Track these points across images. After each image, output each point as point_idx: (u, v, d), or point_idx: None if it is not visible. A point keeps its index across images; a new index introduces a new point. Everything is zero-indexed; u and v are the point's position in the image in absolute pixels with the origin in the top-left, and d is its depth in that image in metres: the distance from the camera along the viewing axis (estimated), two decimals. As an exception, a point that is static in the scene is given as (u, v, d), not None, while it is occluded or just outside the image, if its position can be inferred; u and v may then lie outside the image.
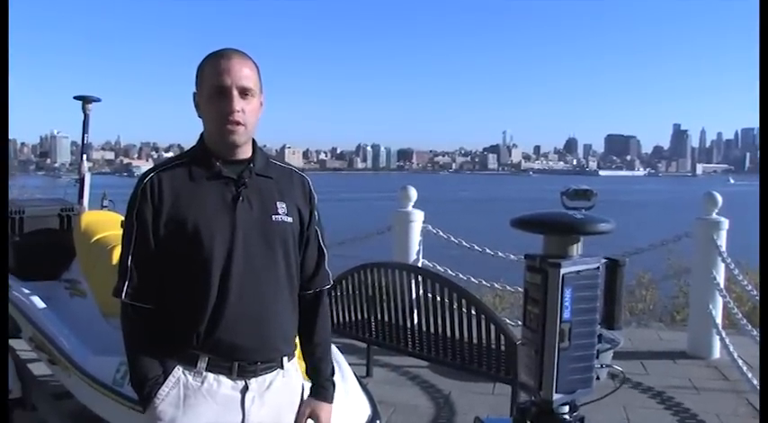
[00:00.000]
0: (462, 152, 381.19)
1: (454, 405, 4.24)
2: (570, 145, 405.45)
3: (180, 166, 1.73)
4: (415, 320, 4.29)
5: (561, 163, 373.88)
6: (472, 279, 5.83)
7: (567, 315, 1.72)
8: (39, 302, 3.23)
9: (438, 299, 4.04)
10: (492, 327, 3.76)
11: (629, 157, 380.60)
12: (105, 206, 4.01)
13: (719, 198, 5.23)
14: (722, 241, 5.16)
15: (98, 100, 4.25)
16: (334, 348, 2.20)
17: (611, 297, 1.81)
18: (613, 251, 2.01)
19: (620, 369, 2.09)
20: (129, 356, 1.73)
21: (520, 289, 1.91)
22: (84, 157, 4.26)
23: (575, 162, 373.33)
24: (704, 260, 5.22)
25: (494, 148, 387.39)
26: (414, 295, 4.25)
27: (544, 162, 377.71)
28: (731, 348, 4.81)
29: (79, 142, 4.37)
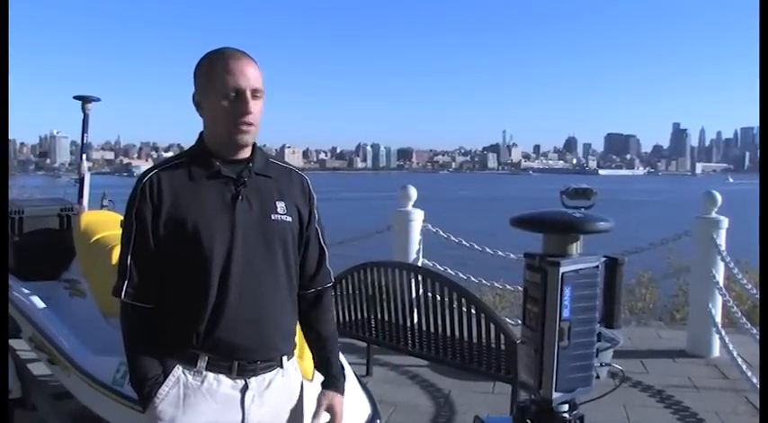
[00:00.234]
0: (462, 151, 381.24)
1: (454, 404, 4.24)
2: (570, 144, 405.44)
3: (179, 165, 1.73)
4: (415, 320, 4.29)
5: (561, 162, 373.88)
6: (472, 278, 5.83)
7: (566, 314, 1.72)
8: (38, 302, 3.23)
9: (438, 298, 4.04)
10: (492, 326, 3.77)
11: (628, 157, 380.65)
12: (105, 206, 4.01)
13: (719, 197, 5.24)
14: (722, 240, 5.16)
15: (98, 100, 4.24)
16: None
17: (610, 296, 1.82)
18: (613, 250, 2.02)
19: (619, 368, 2.10)
20: (129, 356, 1.73)
21: (520, 288, 1.91)
22: (84, 156, 4.25)
23: (574, 161, 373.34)
24: (704, 259, 5.22)
25: (493, 148, 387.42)
26: (413, 294, 4.25)
27: (544, 161, 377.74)
28: (730, 347, 4.81)
29: (79, 142, 4.37)
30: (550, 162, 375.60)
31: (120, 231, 1.76)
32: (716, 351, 5.23)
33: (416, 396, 4.39)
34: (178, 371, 1.69)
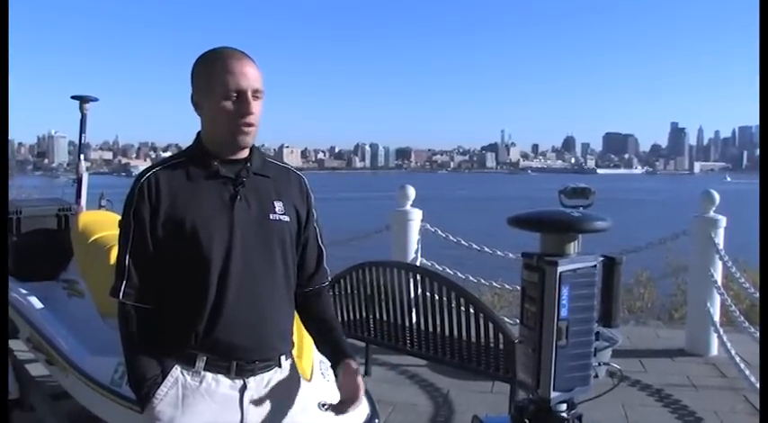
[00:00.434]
0: (460, 151, 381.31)
1: (453, 404, 4.24)
2: (568, 143, 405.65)
3: (177, 165, 1.73)
4: (414, 319, 4.29)
5: (559, 161, 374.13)
6: (470, 278, 5.83)
7: (564, 313, 1.72)
8: (36, 303, 3.22)
9: (436, 298, 4.04)
10: (490, 325, 3.76)
11: (626, 156, 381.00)
12: (103, 206, 4.00)
13: (717, 196, 5.24)
14: (720, 239, 5.17)
15: (95, 100, 4.23)
16: None
17: (608, 295, 1.82)
18: (611, 249, 2.01)
19: (618, 367, 2.09)
20: (127, 356, 1.72)
21: (518, 287, 1.91)
22: (82, 156, 4.24)
23: (573, 160, 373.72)
24: (702, 258, 5.22)
25: (492, 147, 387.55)
26: (412, 294, 4.25)
27: (542, 160, 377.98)
28: (729, 346, 4.81)
29: (77, 142, 4.36)
30: (549, 161, 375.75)
31: (118, 231, 1.76)
32: (714, 350, 5.24)
33: (415, 396, 4.39)
34: (176, 371, 1.69)
